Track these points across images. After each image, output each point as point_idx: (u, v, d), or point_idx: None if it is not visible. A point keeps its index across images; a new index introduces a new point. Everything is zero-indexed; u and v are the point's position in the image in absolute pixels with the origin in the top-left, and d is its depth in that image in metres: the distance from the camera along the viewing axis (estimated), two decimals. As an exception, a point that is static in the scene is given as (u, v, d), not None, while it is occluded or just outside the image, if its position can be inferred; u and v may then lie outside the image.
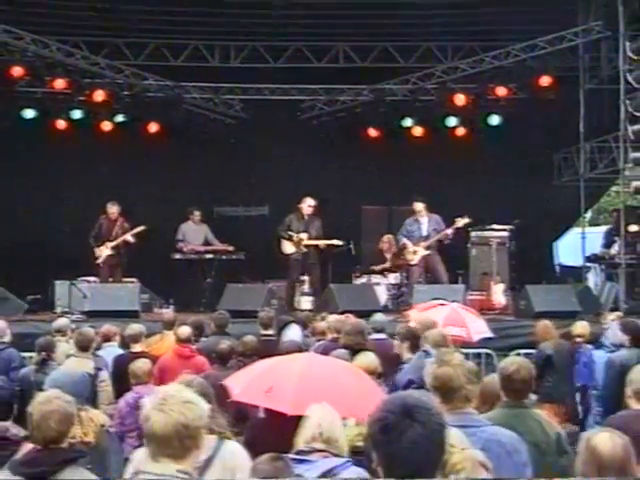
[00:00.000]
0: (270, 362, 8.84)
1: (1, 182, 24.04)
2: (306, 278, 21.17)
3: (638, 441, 6.29)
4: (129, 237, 21.31)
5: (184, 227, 22.85)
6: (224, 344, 11.82)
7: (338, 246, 21.37)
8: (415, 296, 18.88)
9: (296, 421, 6.62)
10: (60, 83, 23.97)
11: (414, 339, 11.16)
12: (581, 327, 14.47)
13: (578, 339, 14.18)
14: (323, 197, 21.90)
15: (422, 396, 4.57)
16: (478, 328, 14.39)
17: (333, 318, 14.57)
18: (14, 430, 6.43)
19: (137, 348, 13.11)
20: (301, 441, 6.34)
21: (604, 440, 5.32)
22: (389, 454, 4.04)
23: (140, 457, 6.87)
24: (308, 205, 21.10)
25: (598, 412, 10.92)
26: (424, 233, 20.90)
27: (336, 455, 6.28)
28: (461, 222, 20.84)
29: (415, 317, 13.11)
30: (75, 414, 6.30)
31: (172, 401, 4.81)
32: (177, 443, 4.73)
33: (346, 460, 6.24)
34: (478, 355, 14.76)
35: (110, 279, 21.27)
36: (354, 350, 10.63)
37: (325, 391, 7.56)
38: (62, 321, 14.59)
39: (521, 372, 7.34)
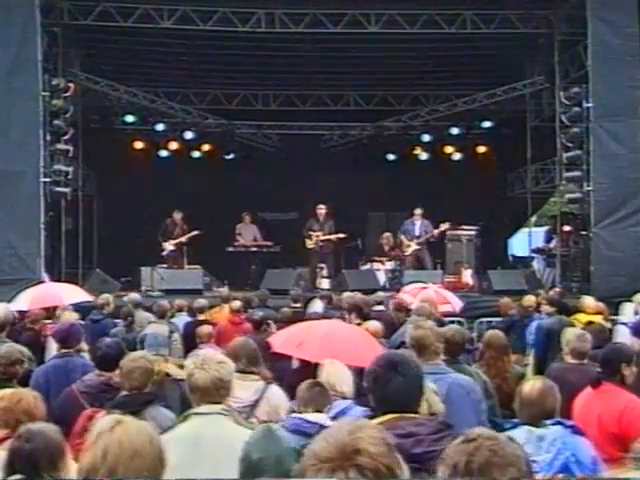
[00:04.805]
0: (302, 325, 8.97)
1: (103, 196, 24.23)
2: (324, 265, 21.22)
3: (569, 388, 6.34)
4: (183, 239, 21.24)
5: (240, 226, 22.91)
6: (257, 315, 11.83)
7: (345, 239, 21.38)
8: (406, 278, 18.89)
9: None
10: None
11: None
12: (528, 300, 14.49)
13: (529, 309, 14.21)
14: (337, 205, 21.93)
15: (406, 354, 4.64)
16: (455, 300, 14.45)
17: (345, 295, 14.59)
18: (116, 379, 6.49)
19: (202, 317, 13.15)
20: None
21: (527, 384, 5.37)
22: (379, 397, 4.11)
23: None
24: (320, 209, 21.15)
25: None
26: (417, 232, 20.99)
27: (344, 398, 6.30)
28: (444, 226, 20.99)
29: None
30: (153, 369, 6.38)
31: (210, 361, 4.92)
32: (214, 392, 4.86)
33: (351, 402, 6.25)
34: (452, 322, 14.75)
35: (175, 266, 21.21)
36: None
37: (341, 346, 7.61)
38: (133, 296, 14.77)
39: (455, 336, 7.39)
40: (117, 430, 3.03)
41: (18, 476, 3.94)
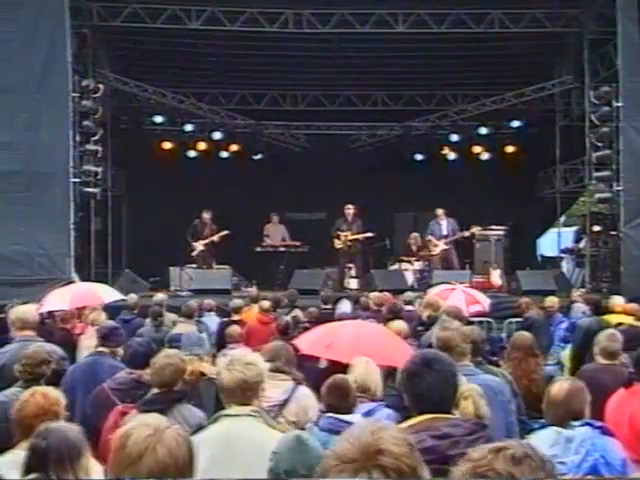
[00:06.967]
0: (329, 326, 8.93)
1: (132, 196, 24.35)
2: (352, 265, 21.19)
3: (602, 389, 6.29)
4: (216, 238, 21.23)
5: (268, 227, 22.98)
6: (283, 319, 11.81)
7: (373, 239, 21.35)
8: (434, 279, 18.82)
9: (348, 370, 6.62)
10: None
11: (397, 311, 11.25)
12: (549, 301, 14.44)
13: (550, 309, 14.16)
14: (365, 205, 21.90)
15: (439, 352, 4.62)
16: (484, 299, 14.36)
17: (373, 295, 14.58)
18: (147, 377, 6.55)
19: (236, 317, 13.18)
20: None
21: (556, 385, 5.31)
22: (414, 394, 4.09)
23: None
24: (348, 209, 21.16)
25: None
26: (444, 232, 20.96)
27: (371, 400, 6.26)
28: (474, 229, 20.97)
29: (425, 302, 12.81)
30: (185, 369, 6.42)
31: (237, 363, 4.92)
32: (239, 393, 4.84)
33: (379, 404, 6.21)
34: (480, 322, 14.69)
35: (204, 266, 21.26)
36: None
37: (371, 346, 7.61)
38: (159, 296, 14.86)
39: (474, 336, 7.33)
40: (160, 451, 2.99)
41: (33, 475, 3.96)
